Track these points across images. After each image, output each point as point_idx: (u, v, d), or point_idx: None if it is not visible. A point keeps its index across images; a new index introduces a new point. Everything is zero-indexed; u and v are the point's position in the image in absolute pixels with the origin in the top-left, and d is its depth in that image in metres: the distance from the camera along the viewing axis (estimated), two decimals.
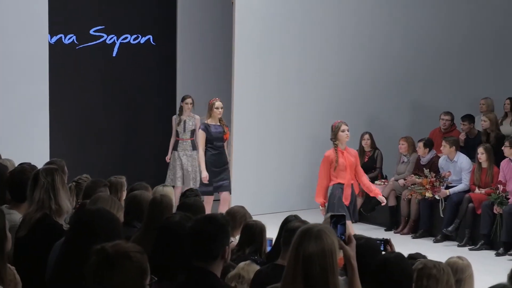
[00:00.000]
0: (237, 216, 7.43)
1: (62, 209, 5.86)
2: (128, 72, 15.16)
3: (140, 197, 6.77)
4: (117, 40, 15.07)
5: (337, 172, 10.55)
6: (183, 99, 13.55)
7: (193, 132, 13.43)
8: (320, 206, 10.74)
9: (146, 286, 3.33)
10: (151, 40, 15.33)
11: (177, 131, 13.49)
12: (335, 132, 10.67)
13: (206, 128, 12.15)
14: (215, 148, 12.14)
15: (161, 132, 14.85)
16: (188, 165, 13.42)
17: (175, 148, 13.50)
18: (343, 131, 10.61)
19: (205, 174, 11.98)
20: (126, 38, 15.14)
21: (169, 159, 13.60)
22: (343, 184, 10.54)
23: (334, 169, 10.53)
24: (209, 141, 12.12)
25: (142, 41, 15.29)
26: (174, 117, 13.63)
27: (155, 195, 6.45)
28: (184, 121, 13.47)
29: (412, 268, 4.29)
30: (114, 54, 15.07)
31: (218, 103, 12.26)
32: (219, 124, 12.25)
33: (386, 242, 5.10)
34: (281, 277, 4.15)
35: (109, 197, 6.07)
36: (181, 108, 13.54)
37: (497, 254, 11.78)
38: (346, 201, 10.53)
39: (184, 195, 8.29)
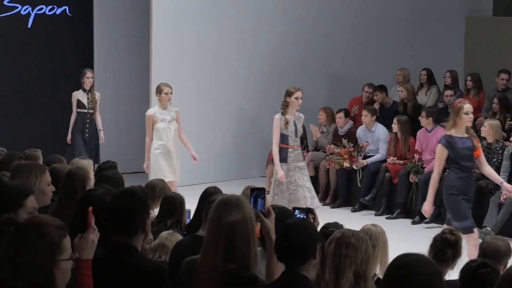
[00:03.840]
0: (157, 189, 7.40)
1: None
2: (44, 44, 14.91)
3: (59, 170, 6.65)
4: (32, 11, 14.80)
5: None
6: (291, 93, 10.19)
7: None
8: None
9: (60, 262, 3.26)
10: (67, 11, 15.09)
11: (285, 136, 10.30)
12: None
13: (448, 142, 8.53)
14: (464, 170, 8.56)
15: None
16: (304, 181, 10.40)
17: (283, 159, 10.31)
18: None
19: (428, 207, 8.77)
20: (41, 9, 14.88)
21: (283, 176, 10.28)
22: None
23: None
24: (453, 161, 8.56)
25: (58, 12, 15.04)
26: (277, 116, 10.33)
27: (70, 167, 6.35)
28: (294, 122, 10.30)
29: (316, 232, 4.30)
30: (29, 25, 14.80)
31: (467, 106, 8.54)
32: (466, 136, 8.58)
33: (309, 211, 5.15)
34: (201, 248, 4.15)
35: (28, 164, 5.88)
36: (287, 105, 10.21)
37: (413, 222, 12.00)
38: None
39: (100, 168, 8.14)
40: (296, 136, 10.27)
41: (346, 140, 13.04)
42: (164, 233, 5.89)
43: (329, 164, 13.18)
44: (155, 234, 6.09)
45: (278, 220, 4.41)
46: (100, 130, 13.39)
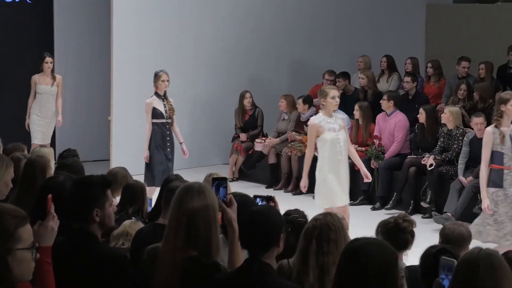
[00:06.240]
0: (118, 177, 7.38)
1: None
2: (4, 32, 14.75)
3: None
4: None
5: None
6: (507, 101, 8.25)
7: None
8: None
9: (16, 251, 3.23)
10: None
11: (499, 154, 8.32)
12: None
13: None
14: None
15: None
16: None
17: (496, 184, 8.38)
18: None
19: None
20: None
21: (487, 207, 8.46)
22: None
23: None
24: None
25: (17, 0, 14.88)
26: (489, 129, 8.44)
27: (31, 156, 6.32)
28: (510, 136, 8.36)
29: (281, 220, 4.26)
30: None
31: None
32: None
33: (270, 199, 5.15)
34: (162, 236, 4.15)
35: None
36: (501, 114, 8.31)
37: (373, 209, 12.07)
38: None
39: (61, 156, 8.08)
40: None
41: None
42: (127, 221, 5.90)
43: (291, 151, 13.20)
44: (117, 222, 6.07)
45: (240, 208, 4.41)
46: (181, 143, 11.49)
